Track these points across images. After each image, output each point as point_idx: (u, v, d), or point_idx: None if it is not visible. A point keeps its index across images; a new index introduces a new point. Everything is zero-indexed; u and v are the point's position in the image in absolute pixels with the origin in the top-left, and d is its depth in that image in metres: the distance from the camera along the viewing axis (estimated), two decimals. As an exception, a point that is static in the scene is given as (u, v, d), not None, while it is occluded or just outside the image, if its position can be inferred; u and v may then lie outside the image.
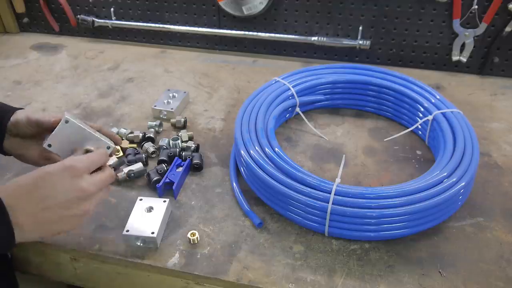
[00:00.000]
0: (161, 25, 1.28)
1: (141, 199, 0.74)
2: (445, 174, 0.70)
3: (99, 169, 0.62)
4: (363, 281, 0.64)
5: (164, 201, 0.73)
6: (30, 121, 0.68)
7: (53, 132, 0.64)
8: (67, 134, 0.65)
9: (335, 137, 0.93)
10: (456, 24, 1.08)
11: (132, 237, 0.68)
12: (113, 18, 1.31)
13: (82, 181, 0.57)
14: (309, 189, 0.68)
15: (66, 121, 0.64)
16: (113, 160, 0.84)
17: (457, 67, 1.16)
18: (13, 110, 0.71)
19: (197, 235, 0.69)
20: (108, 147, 0.67)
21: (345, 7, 1.13)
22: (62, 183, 0.55)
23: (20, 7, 1.35)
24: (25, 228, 0.53)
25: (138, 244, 0.69)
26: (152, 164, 0.86)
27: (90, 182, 0.58)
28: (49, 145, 0.65)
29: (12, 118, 0.69)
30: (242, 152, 0.77)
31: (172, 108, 0.98)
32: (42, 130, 0.69)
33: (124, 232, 0.68)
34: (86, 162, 0.59)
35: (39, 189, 0.54)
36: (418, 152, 0.89)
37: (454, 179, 0.69)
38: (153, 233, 0.68)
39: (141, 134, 0.91)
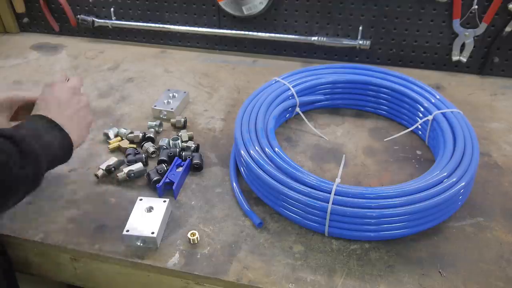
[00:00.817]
0: (161, 25, 1.28)
1: (141, 199, 0.74)
2: (445, 174, 0.70)
3: None
4: (363, 281, 0.64)
5: (164, 201, 0.73)
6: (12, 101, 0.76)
7: None
8: None
9: (335, 137, 0.93)
10: (456, 24, 1.08)
11: (132, 237, 0.68)
12: (113, 18, 1.31)
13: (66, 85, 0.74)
14: (309, 189, 0.68)
15: None
16: (113, 160, 0.84)
17: (457, 67, 1.16)
18: None
19: (197, 235, 0.69)
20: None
21: (345, 7, 1.13)
22: (63, 91, 0.71)
23: (20, 7, 1.35)
24: (66, 127, 0.67)
25: (138, 244, 0.69)
26: (152, 164, 0.86)
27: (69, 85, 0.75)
28: (127, 230, 0.70)
29: None
30: (242, 152, 0.77)
31: (172, 108, 0.98)
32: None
33: (124, 232, 0.68)
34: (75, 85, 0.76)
35: (54, 100, 0.69)
36: (418, 152, 0.89)
37: (454, 179, 0.69)
38: (153, 233, 0.68)
39: (141, 134, 0.91)
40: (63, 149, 0.66)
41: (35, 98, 0.73)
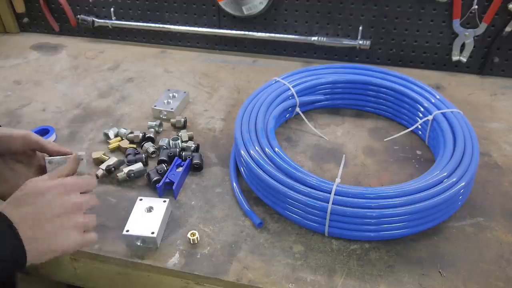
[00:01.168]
0: (161, 25, 1.28)
1: (141, 199, 0.74)
2: (445, 174, 0.70)
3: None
4: (363, 281, 0.64)
5: (164, 201, 0.73)
6: (29, 137, 0.68)
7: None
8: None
9: (335, 137, 0.93)
10: (456, 24, 1.08)
11: (132, 237, 0.68)
12: (113, 18, 1.31)
13: (72, 195, 0.59)
14: (309, 189, 0.68)
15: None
16: (113, 160, 0.84)
17: (457, 67, 1.16)
18: None
19: (197, 235, 0.69)
20: (81, 159, 0.68)
21: (345, 7, 1.13)
22: (55, 197, 0.57)
23: (20, 7, 1.35)
24: (26, 245, 0.53)
25: (138, 244, 0.69)
26: (152, 164, 0.86)
27: (79, 197, 0.60)
28: (50, 162, 0.69)
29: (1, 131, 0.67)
30: (242, 152, 0.77)
31: (172, 108, 0.98)
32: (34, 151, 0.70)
33: (124, 232, 0.68)
34: (74, 182, 0.61)
35: (36, 207, 0.55)
36: (418, 152, 0.89)
37: (454, 179, 0.69)
38: (153, 233, 0.68)
39: (141, 134, 0.91)
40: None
41: (51, 150, 0.68)
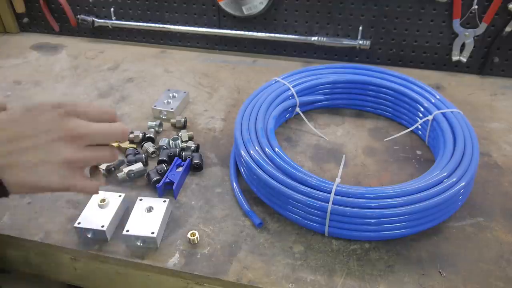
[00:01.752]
0: (161, 25, 1.28)
1: (141, 199, 0.74)
2: (445, 174, 0.70)
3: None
4: (363, 281, 0.64)
5: (164, 201, 0.73)
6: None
7: None
8: None
9: (335, 137, 0.93)
10: (456, 24, 1.08)
11: (132, 237, 0.68)
12: (113, 18, 1.31)
13: (70, 121, 0.47)
14: (309, 189, 0.68)
15: None
16: (113, 160, 0.84)
17: (457, 67, 1.16)
18: None
19: (197, 235, 0.69)
20: None
21: (345, 7, 1.13)
22: (46, 119, 0.47)
23: (20, 7, 1.35)
24: (6, 172, 0.45)
25: (138, 244, 0.69)
26: (152, 164, 0.86)
27: (81, 123, 0.47)
28: (127, 230, 0.69)
29: None
30: (242, 152, 0.77)
31: (172, 108, 0.98)
32: None
33: (124, 232, 0.68)
34: (86, 107, 0.48)
35: (15, 126, 0.46)
36: (418, 152, 0.89)
37: (454, 179, 0.69)
38: (153, 233, 0.68)
39: (141, 134, 0.91)
40: None
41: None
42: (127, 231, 0.68)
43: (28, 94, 1.10)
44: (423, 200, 0.66)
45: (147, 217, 0.71)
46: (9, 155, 0.45)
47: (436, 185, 0.69)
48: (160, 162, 0.84)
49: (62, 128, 0.46)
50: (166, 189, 0.79)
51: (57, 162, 0.47)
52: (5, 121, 0.46)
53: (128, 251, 0.69)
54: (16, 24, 1.41)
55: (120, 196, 0.74)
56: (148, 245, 0.69)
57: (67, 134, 0.47)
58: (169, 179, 0.78)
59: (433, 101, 0.89)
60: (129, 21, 1.31)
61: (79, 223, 0.69)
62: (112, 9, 1.30)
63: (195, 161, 0.84)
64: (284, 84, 0.95)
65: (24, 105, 0.47)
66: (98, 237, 0.70)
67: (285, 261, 0.67)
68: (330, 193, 0.67)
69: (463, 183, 0.69)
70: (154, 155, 0.87)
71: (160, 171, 0.80)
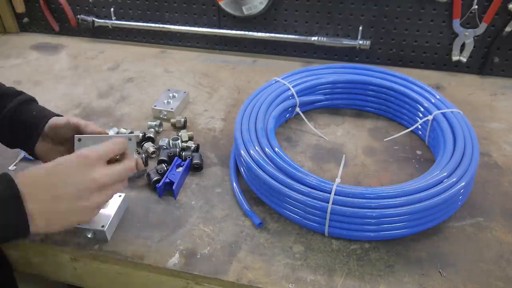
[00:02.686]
0: (161, 25, 1.28)
1: None
2: (445, 174, 0.70)
3: (118, 160, 0.61)
4: (363, 281, 0.64)
5: (120, 196, 0.74)
6: (69, 124, 0.69)
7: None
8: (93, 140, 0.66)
9: (335, 137, 0.93)
10: (456, 24, 1.08)
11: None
12: (113, 18, 1.31)
13: (94, 172, 0.55)
14: (309, 189, 0.68)
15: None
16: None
17: (457, 67, 1.16)
18: (51, 115, 0.71)
19: None
20: (130, 139, 0.65)
21: (345, 7, 1.13)
22: (74, 173, 0.54)
23: (20, 7, 1.35)
24: (35, 217, 0.51)
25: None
26: (152, 164, 0.86)
27: (103, 173, 0.56)
28: (79, 139, 0.65)
29: (51, 122, 0.70)
30: (242, 152, 0.77)
31: (172, 108, 0.98)
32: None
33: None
34: (101, 151, 0.57)
35: (50, 178, 0.53)
36: (418, 152, 0.89)
37: (454, 179, 0.69)
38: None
39: (141, 134, 0.91)
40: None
41: (89, 131, 0.66)
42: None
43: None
44: (423, 200, 0.66)
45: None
46: (41, 205, 0.52)
47: (436, 185, 0.69)
48: (160, 162, 0.84)
49: (86, 180, 0.54)
50: (166, 189, 0.79)
51: (85, 208, 0.55)
52: (43, 174, 0.54)
53: (128, 251, 0.69)
54: (16, 24, 1.41)
55: (120, 196, 0.74)
56: (98, 238, 0.70)
57: (92, 185, 0.55)
58: (169, 179, 0.78)
59: (433, 101, 0.89)
60: (129, 21, 1.31)
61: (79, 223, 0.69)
62: (112, 9, 1.30)
63: (195, 161, 0.84)
64: (284, 84, 0.95)
65: (54, 161, 0.55)
66: (98, 237, 0.70)
67: (285, 261, 0.67)
68: (330, 193, 0.67)
69: (463, 183, 0.69)
70: (154, 155, 0.87)
71: (160, 171, 0.80)
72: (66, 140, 0.70)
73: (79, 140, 0.65)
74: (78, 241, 0.70)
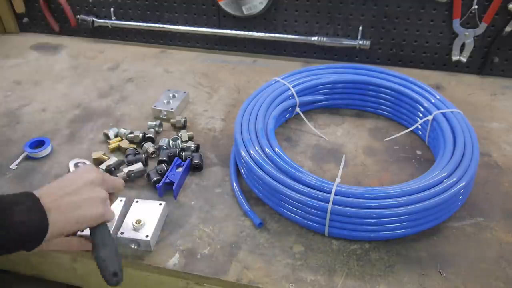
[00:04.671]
0: (161, 25, 1.28)
1: (137, 201, 0.74)
2: (445, 174, 0.70)
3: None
4: (363, 281, 0.64)
5: (160, 204, 0.73)
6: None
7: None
8: None
9: (335, 137, 0.93)
10: (456, 24, 1.08)
11: (126, 240, 0.68)
12: (113, 18, 1.31)
13: (96, 172, 0.65)
14: (309, 189, 0.68)
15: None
16: (113, 160, 0.84)
17: (457, 67, 1.16)
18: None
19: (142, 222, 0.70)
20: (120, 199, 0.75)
21: (345, 7, 1.13)
22: (79, 175, 0.63)
23: (20, 7, 1.35)
24: (52, 211, 0.56)
25: (132, 247, 0.68)
26: (152, 164, 0.86)
27: (102, 173, 0.66)
28: (122, 233, 0.69)
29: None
30: (242, 152, 0.77)
31: (172, 108, 0.98)
32: None
33: (119, 235, 0.68)
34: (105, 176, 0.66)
35: (61, 181, 0.62)
36: (418, 152, 0.89)
37: (454, 179, 0.69)
38: (147, 236, 0.67)
39: (141, 134, 0.91)
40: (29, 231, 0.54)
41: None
42: (122, 233, 0.68)
43: (28, 94, 1.10)
44: (423, 200, 0.66)
45: (143, 219, 0.70)
46: (55, 200, 0.57)
47: (436, 185, 0.69)
48: (160, 162, 0.84)
49: (89, 178, 0.63)
50: (166, 189, 0.79)
51: (93, 197, 0.61)
52: (54, 182, 0.62)
53: (128, 251, 0.69)
54: (16, 24, 1.41)
55: (121, 200, 0.74)
56: (142, 248, 0.69)
57: (96, 180, 0.63)
58: (169, 179, 0.78)
59: (433, 101, 0.89)
60: (129, 21, 1.31)
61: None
62: (112, 9, 1.30)
63: (195, 161, 0.84)
64: (284, 84, 0.95)
65: (85, 169, 0.65)
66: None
67: (285, 261, 0.67)
68: (330, 193, 0.67)
69: (463, 183, 0.69)
70: (154, 155, 0.87)
71: (160, 171, 0.80)
72: None
73: (76, 165, 0.74)
74: (77, 241, 0.70)
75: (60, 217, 0.56)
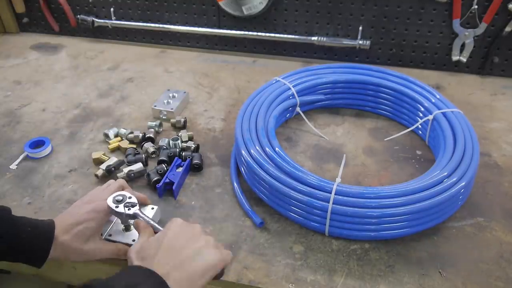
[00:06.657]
0: (161, 25, 1.28)
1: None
2: (445, 174, 0.70)
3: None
4: (363, 281, 0.64)
5: (152, 208, 0.72)
6: None
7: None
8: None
9: (335, 137, 0.93)
10: (456, 24, 1.08)
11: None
12: (113, 18, 1.31)
13: (192, 226, 0.61)
14: (309, 189, 0.68)
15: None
16: (113, 160, 0.84)
17: (457, 67, 1.16)
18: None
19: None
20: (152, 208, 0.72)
21: (345, 7, 1.13)
22: (179, 231, 0.59)
23: (20, 7, 1.35)
24: (170, 274, 0.53)
25: None
26: (152, 164, 0.86)
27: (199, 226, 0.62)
28: (110, 235, 0.68)
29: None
30: (242, 151, 0.77)
31: (172, 108, 0.98)
32: None
33: (107, 237, 0.68)
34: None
35: (161, 245, 0.56)
36: (418, 152, 0.89)
37: (454, 179, 0.69)
38: (133, 240, 0.67)
39: (141, 134, 0.91)
40: None
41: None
42: (110, 235, 0.68)
43: (28, 94, 1.10)
44: (423, 200, 0.66)
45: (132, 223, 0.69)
46: (172, 261, 0.54)
47: (436, 185, 0.69)
48: (160, 162, 0.84)
49: (190, 231, 0.59)
50: (166, 189, 0.79)
51: (203, 245, 0.57)
52: (171, 238, 0.57)
53: (128, 251, 0.69)
54: (16, 24, 1.41)
55: (153, 208, 0.73)
56: None
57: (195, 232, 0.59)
58: (169, 179, 0.78)
59: (433, 100, 0.89)
60: (129, 21, 1.31)
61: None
62: (112, 9, 1.30)
63: (195, 161, 0.83)
64: (285, 84, 0.95)
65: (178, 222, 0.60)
66: None
67: (285, 261, 0.67)
68: (330, 193, 0.67)
69: (463, 183, 0.69)
70: (154, 155, 0.87)
71: (160, 171, 0.80)
72: None
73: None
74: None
75: (180, 277, 0.53)
